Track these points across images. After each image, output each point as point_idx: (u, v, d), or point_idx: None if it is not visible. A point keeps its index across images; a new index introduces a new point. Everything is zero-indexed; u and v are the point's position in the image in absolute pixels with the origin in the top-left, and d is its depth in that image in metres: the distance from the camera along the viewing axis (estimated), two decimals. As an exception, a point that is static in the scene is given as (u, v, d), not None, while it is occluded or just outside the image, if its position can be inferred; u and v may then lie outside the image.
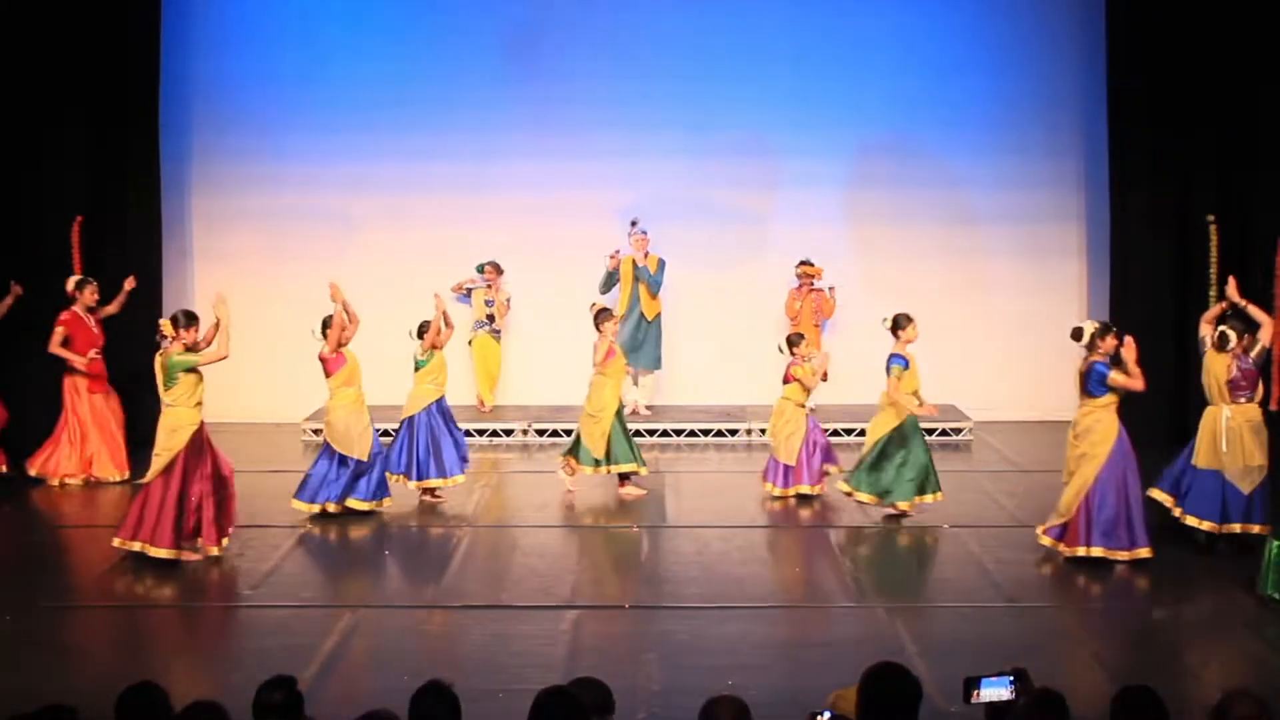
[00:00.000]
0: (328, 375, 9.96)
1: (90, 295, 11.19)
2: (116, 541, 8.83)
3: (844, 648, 7.32)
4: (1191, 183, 12.03)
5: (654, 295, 13.21)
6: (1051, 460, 11.39)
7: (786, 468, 10.54)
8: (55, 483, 11.13)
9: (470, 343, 13.49)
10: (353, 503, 9.94)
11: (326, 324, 9.92)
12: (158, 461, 8.75)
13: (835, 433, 12.93)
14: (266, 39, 13.68)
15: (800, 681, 6.71)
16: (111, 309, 11.39)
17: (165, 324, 8.91)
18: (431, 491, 10.42)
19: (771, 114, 13.60)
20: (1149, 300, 12.46)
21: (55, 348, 11.05)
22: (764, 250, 13.82)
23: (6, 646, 7.36)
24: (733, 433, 13.05)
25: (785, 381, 10.76)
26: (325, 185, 13.72)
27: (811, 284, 13.24)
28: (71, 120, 11.95)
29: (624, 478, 10.62)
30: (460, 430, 10.83)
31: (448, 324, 10.57)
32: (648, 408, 13.42)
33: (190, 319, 8.92)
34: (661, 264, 13.18)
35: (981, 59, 13.68)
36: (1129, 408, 11.56)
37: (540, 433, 12.97)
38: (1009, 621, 7.83)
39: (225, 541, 8.98)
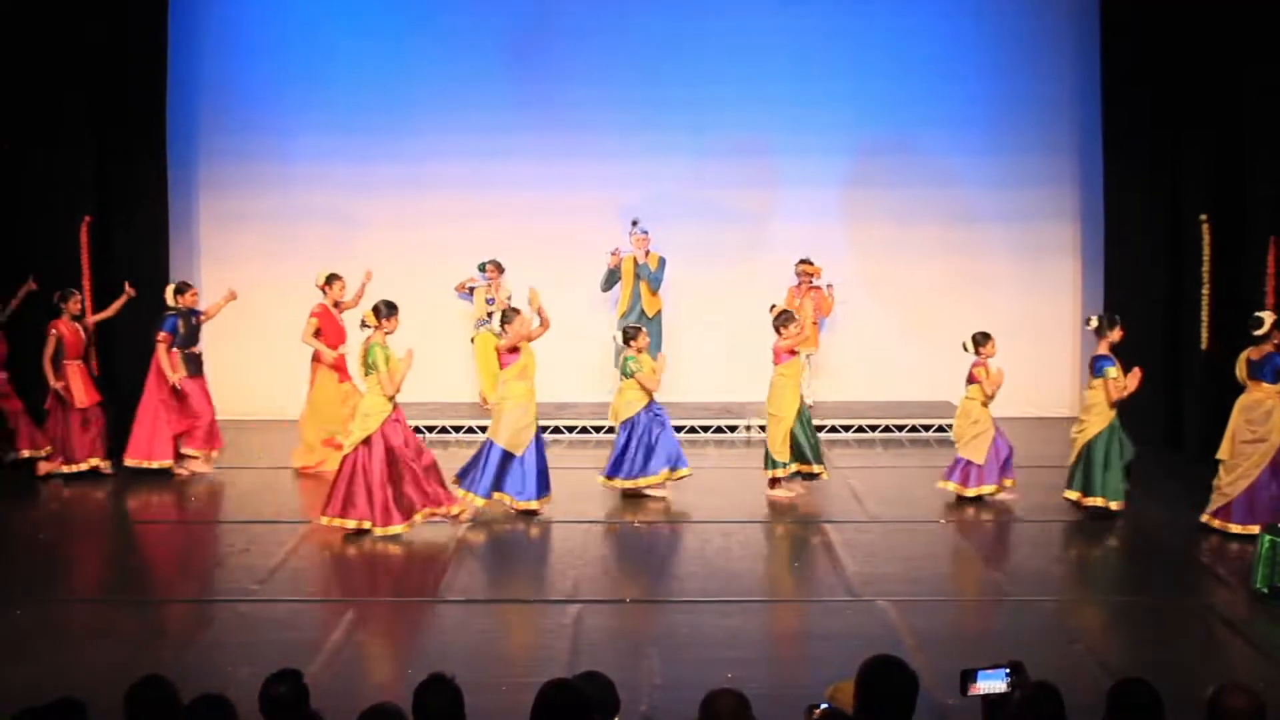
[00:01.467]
0: (501, 368, 10.02)
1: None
2: (324, 519, 9.28)
3: (842, 641, 7.37)
4: (1185, 182, 12.07)
5: (654, 293, 13.26)
6: (1048, 456, 11.48)
7: (973, 468, 10.35)
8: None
9: (472, 340, 13.55)
10: (501, 496, 9.91)
11: (506, 318, 9.97)
12: (350, 442, 9.28)
13: (833, 429, 13.01)
14: (272, 42, 13.73)
15: (799, 675, 6.77)
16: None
17: (368, 313, 9.31)
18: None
19: (771, 114, 13.65)
20: (1143, 298, 12.52)
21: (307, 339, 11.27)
22: (763, 249, 13.88)
23: (16, 640, 7.41)
24: (732, 429, 13.11)
25: (969, 382, 10.57)
26: (331, 185, 13.78)
27: (810, 282, 13.30)
28: (79, 123, 12.00)
29: (804, 477, 10.52)
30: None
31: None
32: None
33: (391, 309, 9.32)
34: (662, 262, 13.22)
35: (979, 59, 13.73)
36: (1123, 410, 11.64)
37: (543, 430, 12.98)
38: (1005, 615, 7.89)
39: (419, 518, 9.32)
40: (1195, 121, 11.83)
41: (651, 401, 10.51)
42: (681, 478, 10.50)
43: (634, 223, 13.24)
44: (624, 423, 10.50)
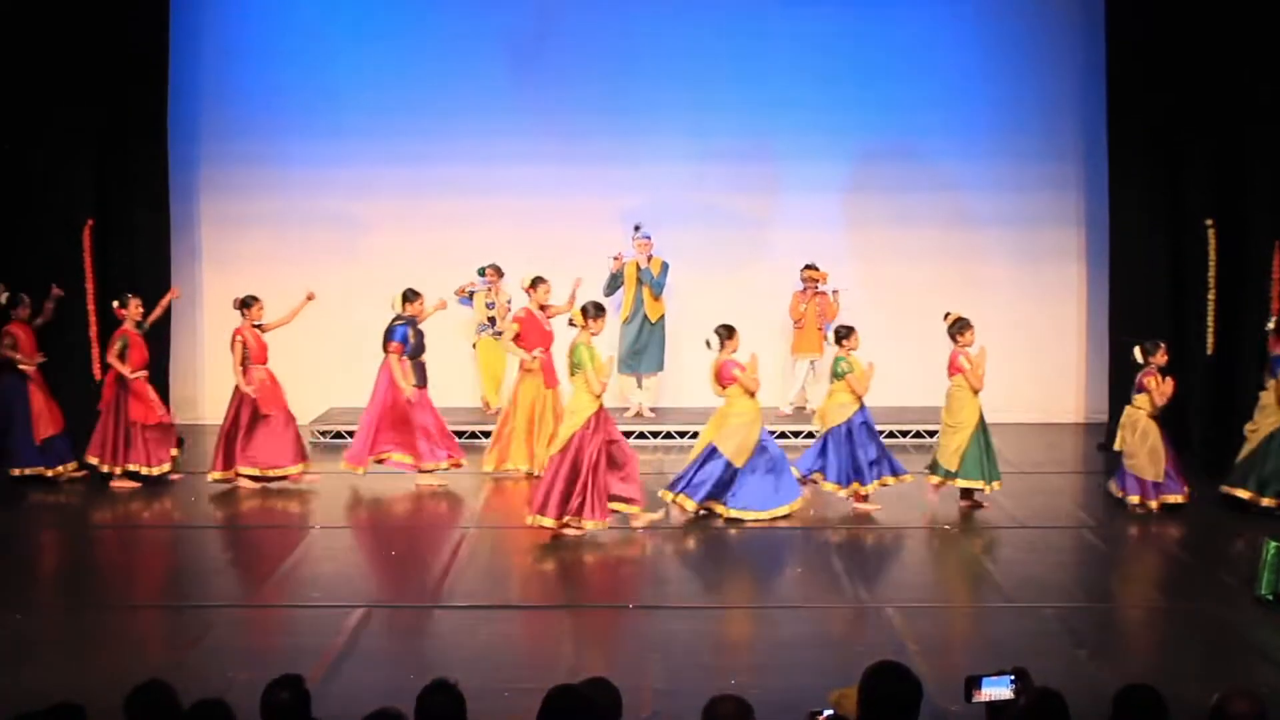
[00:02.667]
0: (725, 384, 10.01)
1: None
2: (530, 519, 9.39)
3: (845, 647, 7.36)
4: (1190, 187, 12.05)
5: (657, 298, 13.26)
6: (1050, 461, 11.46)
7: (1147, 481, 10.10)
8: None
9: (474, 345, 13.56)
10: (713, 504, 9.90)
11: (725, 333, 10.00)
12: (557, 441, 9.44)
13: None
14: (273, 47, 13.75)
15: (802, 681, 6.74)
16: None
17: (575, 314, 9.56)
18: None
19: (773, 119, 13.65)
20: (1147, 303, 12.50)
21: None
22: (766, 254, 13.88)
23: (16, 645, 7.40)
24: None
25: (1137, 391, 10.23)
26: (331, 190, 13.80)
27: (816, 287, 13.30)
28: (82, 128, 12.01)
29: (967, 494, 10.31)
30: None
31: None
32: (651, 410, 13.47)
33: (599, 310, 9.54)
34: (665, 267, 13.23)
35: (982, 64, 13.72)
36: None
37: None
38: (1009, 621, 7.87)
39: (608, 521, 9.38)
40: (1200, 126, 11.82)
41: (863, 406, 10.38)
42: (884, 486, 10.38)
43: (636, 227, 13.24)
44: (832, 429, 10.34)
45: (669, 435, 13.04)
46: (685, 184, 13.82)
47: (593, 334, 9.48)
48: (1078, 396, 13.84)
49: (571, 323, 9.65)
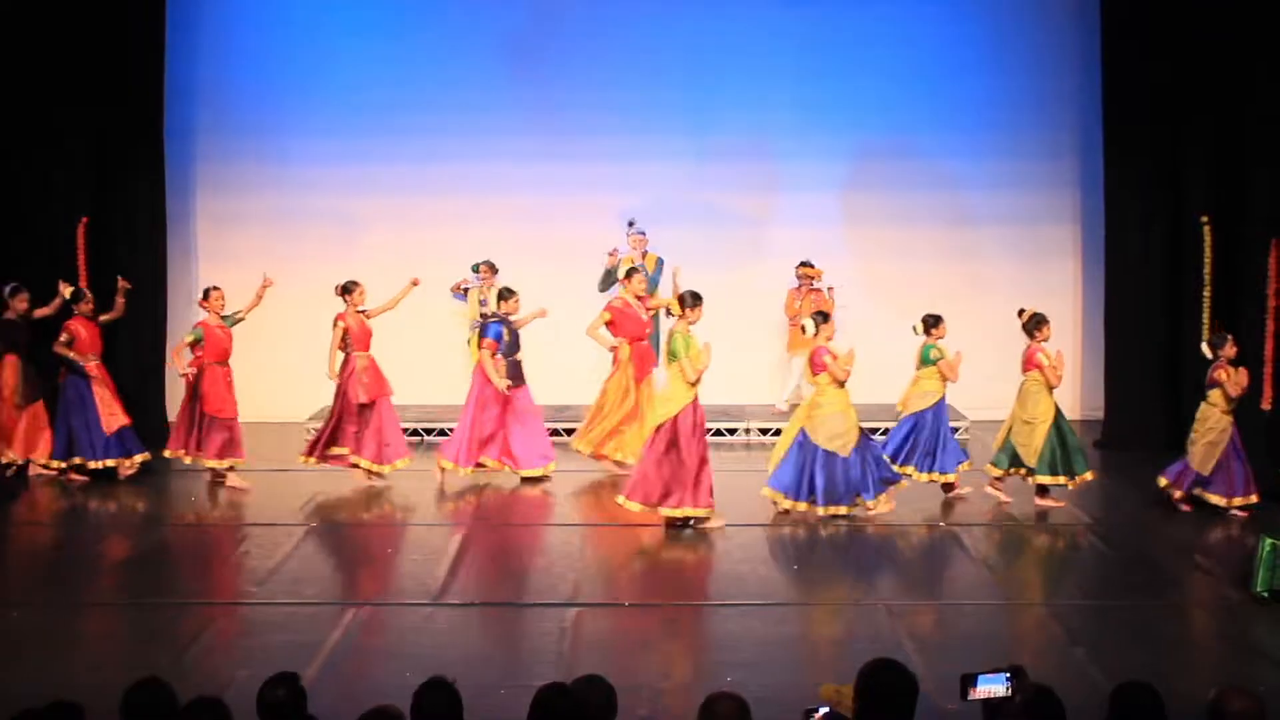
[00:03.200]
0: (816, 372, 9.95)
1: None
2: (621, 499, 9.56)
3: (842, 644, 7.38)
4: (1186, 184, 12.08)
5: (652, 294, 13.25)
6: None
7: (1194, 473, 9.99)
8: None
9: (469, 341, 13.54)
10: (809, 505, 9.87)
11: (821, 319, 9.95)
12: (650, 428, 9.58)
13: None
14: (270, 44, 13.73)
15: (799, 678, 6.75)
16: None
17: (674, 303, 9.57)
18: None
19: (771, 117, 13.65)
20: (1143, 301, 12.52)
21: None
22: (763, 252, 13.88)
23: (13, 643, 7.41)
24: (731, 432, 13.10)
25: (1209, 386, 10.05)
26: (328, 187, 13.78)
27: (811, 285, 13.30)
28: (77, 124, 11.99)
29: (1043, 490, 10.24)
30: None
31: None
32: (648, 407, 13.46)
33: (696, 299, 9.55)
34: (660, 263, 13.22)
35: (978, 62, 13.73)
36: (1122, 410, 11.68)
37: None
38: (1005, 619, 7.88)
39: (707, 510, 9.47)
40: (1196, 122, 11.83)
41: (943, 396, 10.42)
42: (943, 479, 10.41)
43: (630, 223, 13.24)
44: (912, 414, 10.40)
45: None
46: (683, 181, 13.82)
47: (690, 323, 9.53)
48: (1074, 394, 13.83)
49: (669, 312, 9.63)
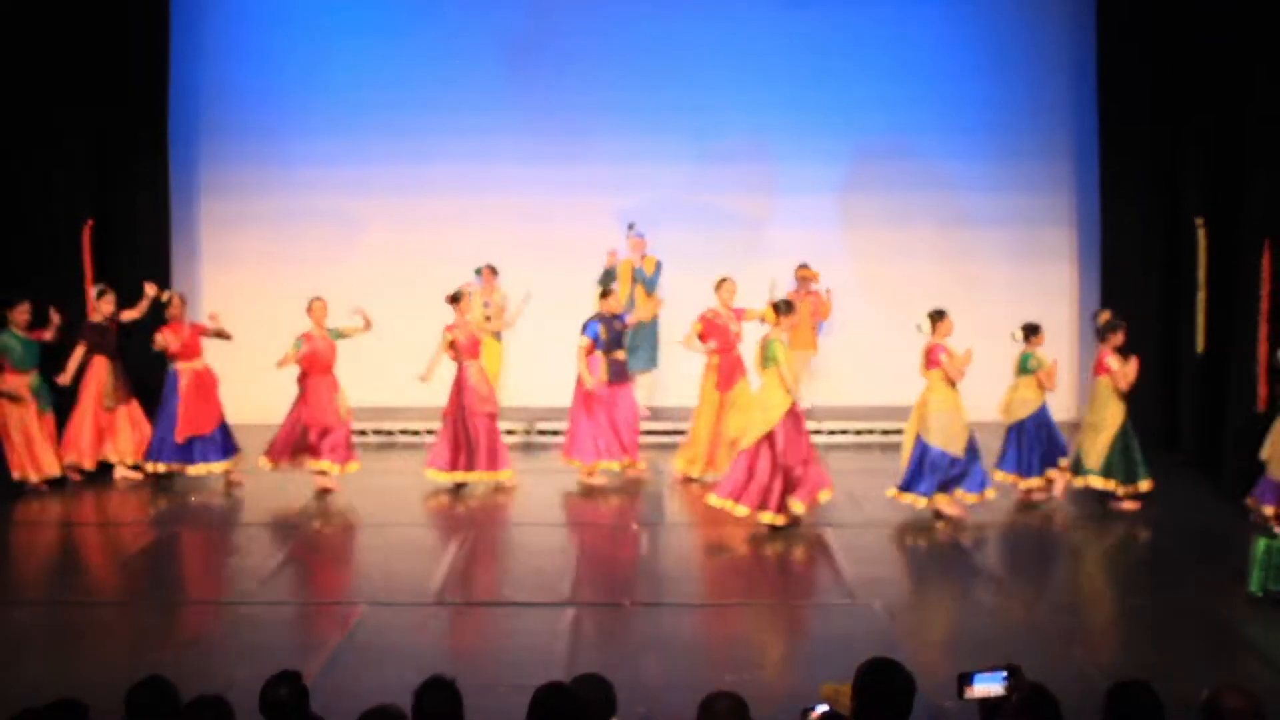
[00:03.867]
0: (931, 367, 9.89)
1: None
2: (713, 499, 9.67)
3: (840, 644, 7.38)
4: (1182, 186, 12.11)
5: (650, 296, 13.29)
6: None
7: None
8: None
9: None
10: (941, 497, 9.85)
11: (936, 316, 9.89)
12: (750, 435, 9.58)
13: (830, 433, 13.02)
14: (273, 46, 13.78)
15: (797, 677, 6.78)
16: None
17: (767, 311, 9.59)
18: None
19: (769, 120, 13.69)
20: (1139, 302, 12.54)
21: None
22: (761, 253, 13.89)
23: (16, 641, 7.43)
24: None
25: None
26: (331, 188, 13.83)
27: (809, 286, 13.32)
28: (81, 127, 12.01)
29: (1104, 494, 10.22)
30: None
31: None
32: (646, 407, 13.47)
33: (790, 307, 9.58)
34: (658, 266, 13.26)
35: (976, 64, 13.77)
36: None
37: (541, 433, 13.05)
38: (1003, 617, 7.90)
39: (799, 506, 9.57)
40: (1192, 125, 11.86)
41: (1044, 403, 10.43)
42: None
43: (630, 226, 13.27)
44: (1014, 424, 10.43)
45: (663, 433, 13.05)
46: (681, 183, 13.86)
47: (785, 330, 9.56)
48: (1070, 396, 13.85)
49: (764, 319, 9.68)
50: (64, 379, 10.91)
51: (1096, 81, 12.91)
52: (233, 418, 12.68)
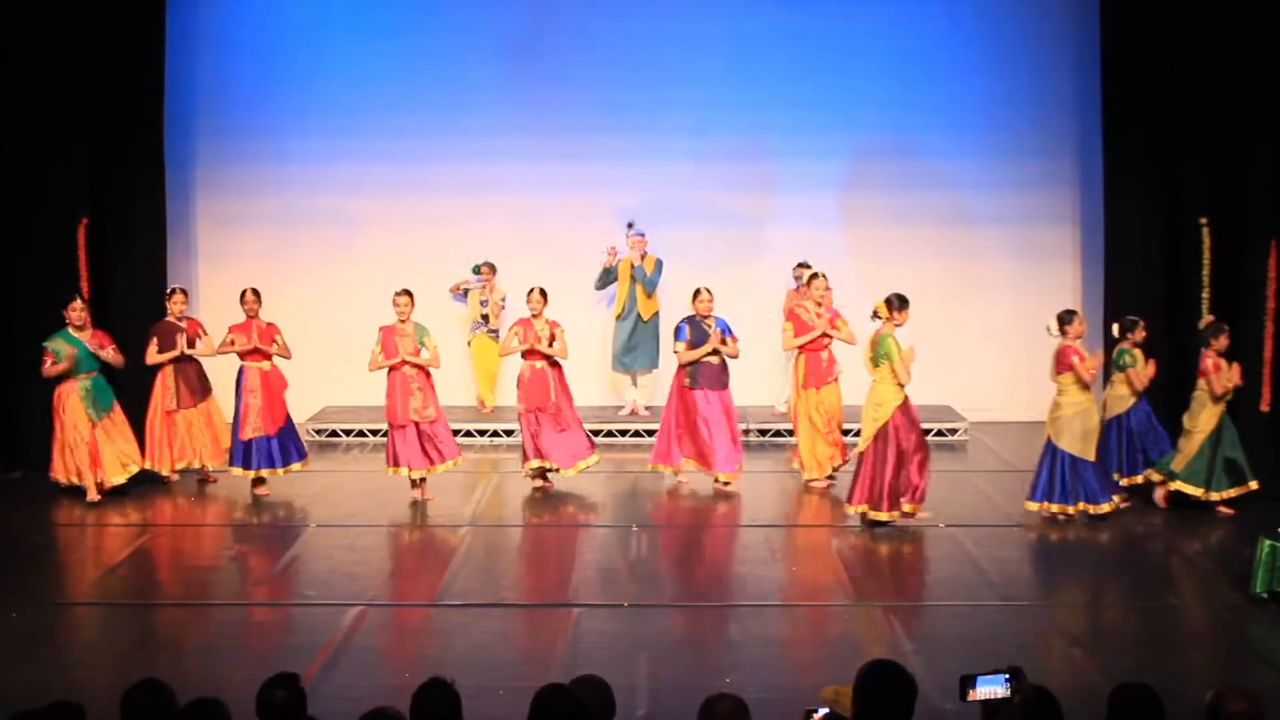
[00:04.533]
0: (1063, 371, 9.73)
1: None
2: (850, 508, 9.68)
3: (841, 646, 7.38)
4: (1185, 185, 12.07)
5: (650, 295, 13.27)
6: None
7: None
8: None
9: (469, 344, 13.57)
10: (1085, 506, 9.75)
11: (1067, 318, 9.74)
12: (865, 433, 9.63)
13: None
14: (269, 44, 13.74)
15: (798, 679, 6.76)
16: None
17: (881, 305, 9.52)
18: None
19: (769, 117, 13.65)
20: (1142, 301, 12.51)
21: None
22: (762, 252, 13.89)
23: (13, 643, 7.41)
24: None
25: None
26: (328, 187, 13.80)
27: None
28: (76, 125, 11.96)
29: (1183, 498, 10.05)
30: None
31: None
32: (646, 408, 13.47)
33: (903, 302, 9.51)
34: (659, 265, 13.23)
35: (978, 62, 13.73)
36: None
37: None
38: (1004, 620, 7.88)
39: (911, 509, 9.59)
40: (1195, 124, 11.83)
41: (1141, 399, 10.35)
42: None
43: (630, 225, 13.25)
44: (1112, 419, 10.36)
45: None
46: (681, 182, 13.83)
47: (898, 325, 9.53)
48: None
49: (876, 315, 9.62)
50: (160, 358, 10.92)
51: (1099, 79, 12.88)
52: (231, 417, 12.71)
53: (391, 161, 13.73)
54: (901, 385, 9.48)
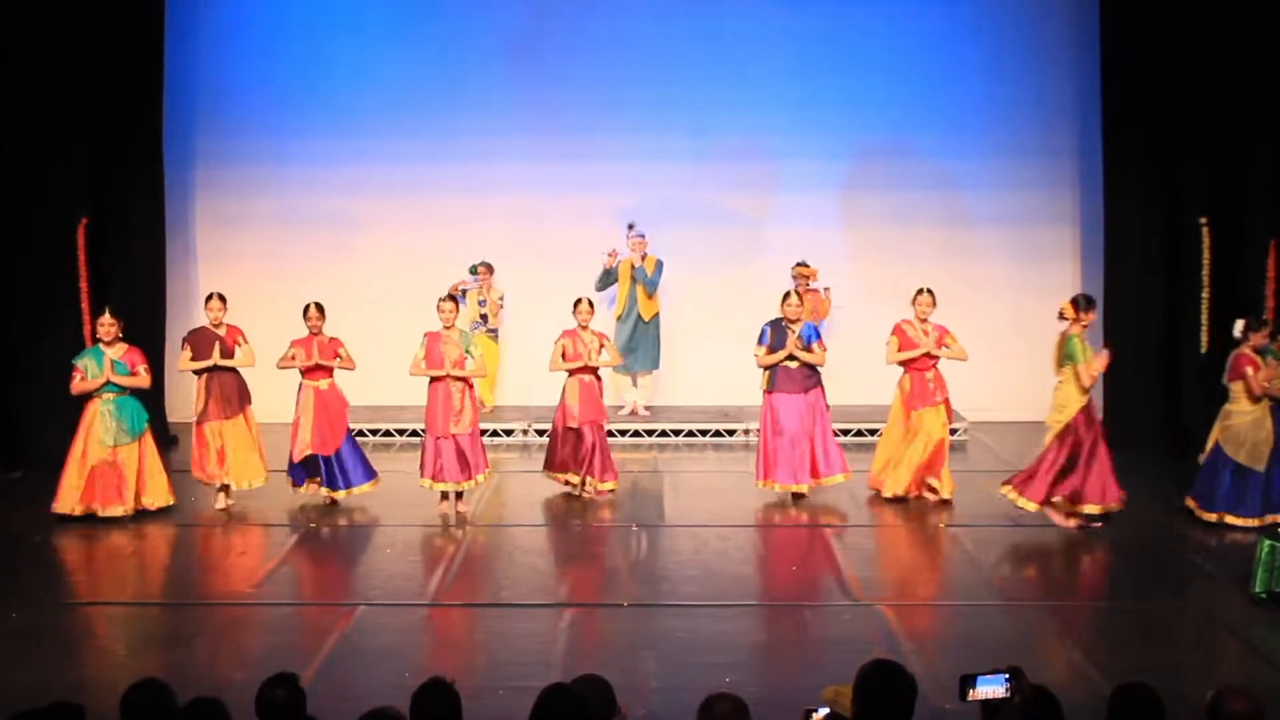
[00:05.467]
0: (1235, 379, 9.52)
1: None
2: (1007, 492, 9.73)
3: (841, 645, 7.37)
4: (1185, 185, 12.08)
5: (651, 296, 13.27)
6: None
7: None
8: None
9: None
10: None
11: (1254, 324, 9.55)
12: (1049, 434, 9.56)
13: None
14: (269, 44, 13.74)
15: (798, 679, 6.76)
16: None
17: (1067, 306, 9.47)
18: None
19: (769, 117, 13.66)
20: (1142, 303, 12.53)
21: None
22: (761, 252, 13.88)
23: (13, 643, 7.40)
24: (730, 433, 13.09)
25: None
26: (327, 187, 13.80)
27: (807, 285, 13.29)
28: (76, 124, 11.96)
29: None
30: None
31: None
32: (646, 408, 13.47)
33: (1089, 303, 9.50)
34: (659, 265, 13.23)
35: (977, 62, 13.74)
36: (1121, 412, 11.61)
37: (540, 433, 13.01)
38: (1004, 619, 7.88)
39: (1094, 509, 9.55)
40: (1195, 124, 11.84)
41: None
42: None
43: (630, 226, 13.25)
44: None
45: (664, 434, 13.04)
46: (681, 182, 13.83)
47: (1084, 326, 9.46)
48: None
49: (1062, 315, 9.53)
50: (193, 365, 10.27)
51: (1099, 79, 12.88)
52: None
53: (391, 161, 13.73)
54: (1086, 390, 9.38)
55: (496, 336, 13.51)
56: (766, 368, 10.43)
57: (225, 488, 10.43)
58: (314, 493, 10.47)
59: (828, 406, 10.67)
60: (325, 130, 13.68)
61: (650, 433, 12.99)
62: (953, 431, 12.79)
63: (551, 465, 10.79)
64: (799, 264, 13.30)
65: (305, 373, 10.40)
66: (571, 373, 10.50)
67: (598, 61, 13.70)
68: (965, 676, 4.28)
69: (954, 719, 5.82)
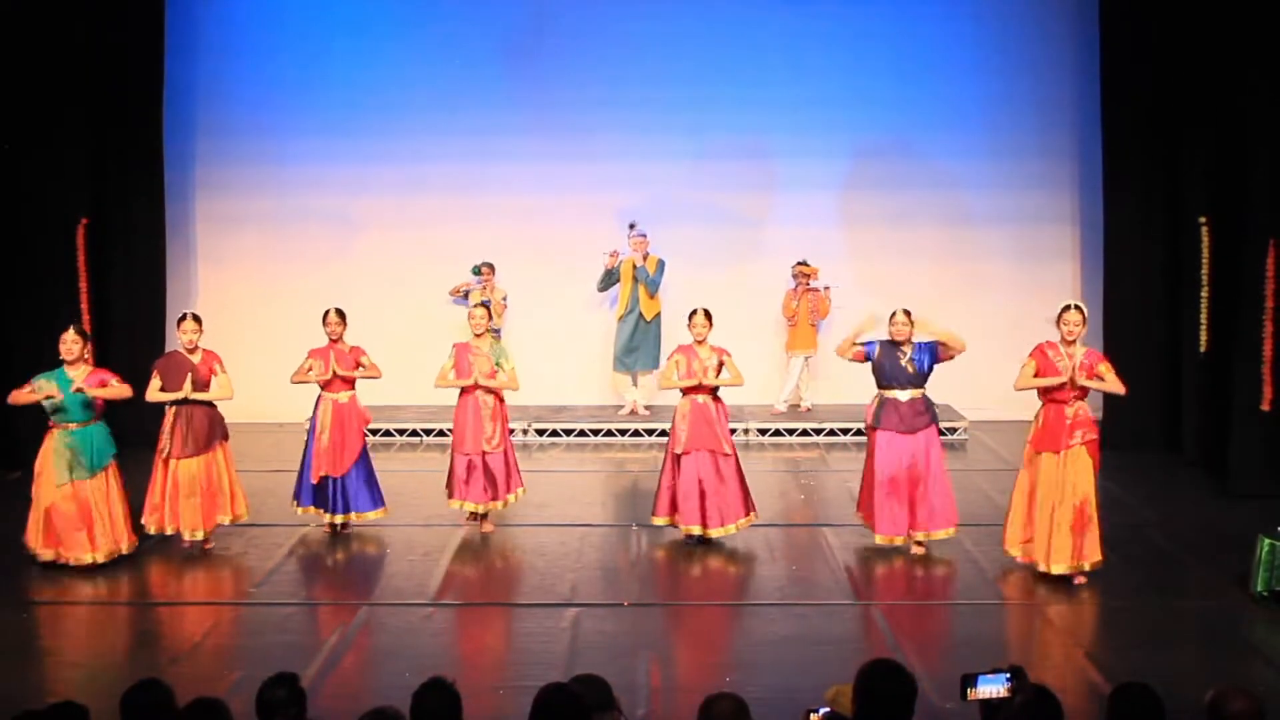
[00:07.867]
0: None
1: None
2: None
3: (841, 645, 7.37)
4: (1184, 184, 12.07)
5: (652, 296, 13.27)
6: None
7: None
8: None
9: (469, 343, 13.56)
10: None
11: None
12: None
13: (831, 432, 13.00)
14: (268, 45, 13.75)
15: (798, 679, 6.75)
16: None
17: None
18: None
19: (769, 117, 13.67)
20: (1141, 302, 12.52)
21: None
22: (762, 251, 13.89)
23: (13, 643, 7.40)
24: (730, 431, 13.05)
25: None
26: (327, 187, 13.80)
27: (808, 284, 13.31)
28: (75, 125, 11.97)
29: None
30: None
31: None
32: (646, 407, 13.47)
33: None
34: (661, 265, 13.23)
35: (977, 62, 13.74)
36: (1120, 412, 11.60)
37: (540, 433, 13.03)
38: (1005, 619, 7.88)
39: None
40: (1194, 123, 11.83)
41: None
42: None
43: (631, 226, 13.25)
44: None
45: (664, 434, 13.01)
46: (682, 181, 13.84)
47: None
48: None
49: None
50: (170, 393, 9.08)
51: (1099, 79, 12.88)
52: (235, 416, 12.69)
53: (391, 161, 13.74)
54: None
55: (500, 337, 13.49)
56: (874, 405, 9.12)
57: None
58: (316, 517, 9.77)
59: (944, 448, 9.35)
60: (325, 130, 13.69)
61: (650, 432, 12.98)
62: (952, 431, 12.85)
63: (657, 508, 9.52)
64: (799, 263, 13.31)
65: (325, 385, 9.65)
66: (685, 392, 9.49)
67: (598, 61, 13.70)
68: (965, 676, 4.29)
69: (954, 719, 5.82)
